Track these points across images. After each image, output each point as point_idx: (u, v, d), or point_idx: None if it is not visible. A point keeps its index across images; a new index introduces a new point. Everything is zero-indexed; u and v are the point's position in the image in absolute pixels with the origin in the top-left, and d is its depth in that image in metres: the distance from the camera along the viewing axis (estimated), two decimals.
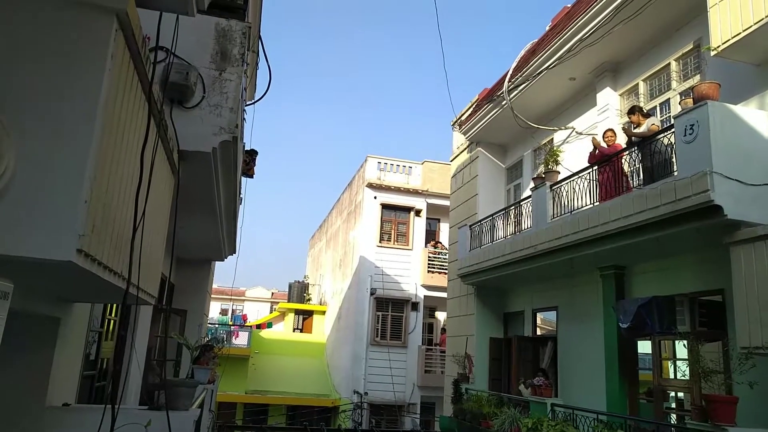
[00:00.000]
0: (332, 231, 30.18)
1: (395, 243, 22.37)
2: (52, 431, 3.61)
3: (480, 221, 12.92)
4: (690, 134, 6.58)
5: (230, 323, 31.93)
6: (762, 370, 5.91)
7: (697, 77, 8.52)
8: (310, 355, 27.12)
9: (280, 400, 23.03)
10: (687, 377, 7.88)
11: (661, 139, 7.56)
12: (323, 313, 29.88)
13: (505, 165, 14.63)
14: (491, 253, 11.70)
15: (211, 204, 5.62)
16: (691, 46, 8.73)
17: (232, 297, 45.44)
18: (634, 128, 8.29)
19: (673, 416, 8.40)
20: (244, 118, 5.90)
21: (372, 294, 21.23)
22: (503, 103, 12.39)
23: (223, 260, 10.39)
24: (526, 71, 11.52)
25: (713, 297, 7.55)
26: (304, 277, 36.00)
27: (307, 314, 30.83)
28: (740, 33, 6.73)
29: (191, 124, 4.04)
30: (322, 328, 29.49)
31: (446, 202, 20.15)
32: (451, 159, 17.01)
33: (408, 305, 21.71)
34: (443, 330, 21.39)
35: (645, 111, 8.61)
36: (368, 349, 20.86)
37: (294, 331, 30.20)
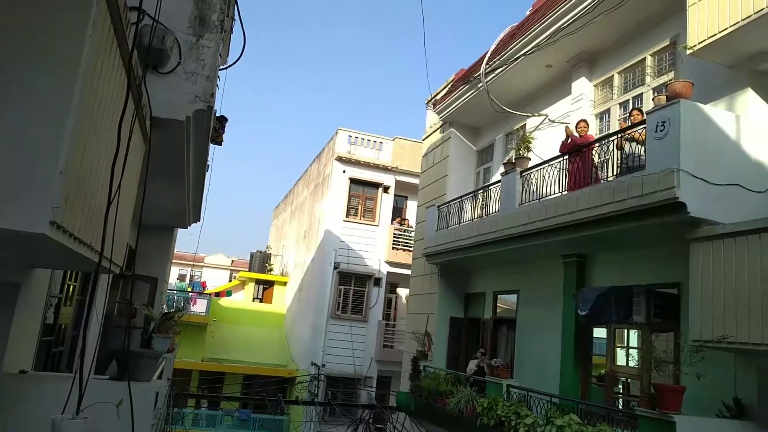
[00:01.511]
0: (298, 202, 29.94)
1: (362, 218, 22.35)
2: (9, 399, 3.51)
3: (448, 202, 12.99)
4: (661, 131, 6.71)
5: (189, 290, 31.54)
6: (709, 363, 6.17)
7: (672, 74, 8.66)
8: (270, 325, 27.09)
9: (237, 369, 23.01)
10: (638, 365, 8.18)
11: (630, 134, 7.71)
12: (284, 284, 29.79)
13: (477, 147, 14.69)
14: (458, 234, 11.80)
15: (179, 172, 5.47)
16: (668, 43, 8.85)
17: (193, 263, 44.83)
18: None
19: (634, 402, 8.71)
20: (216, 84, 5.73)
21: (336, 268, 21.24)
22: (479, 85, 12.37)
23: (186, 227, 10.20)
24: (504, 55, 11.51)
25: (669, 290, 7.80)
26: (267, 247, 35.75)
27: (268, 284, 30.69)
28: (716, 34, 6.84)
29: (165, 90, 3.89)
30: (282, 299, 29.43)
31: (415, 180, 20.17)
32: (423, 137, 16.99)
33: (371, 281, 21.82)
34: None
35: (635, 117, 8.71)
36: (328, 322, 20.95)
37: (254, 301, 30.06)
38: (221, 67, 7.17)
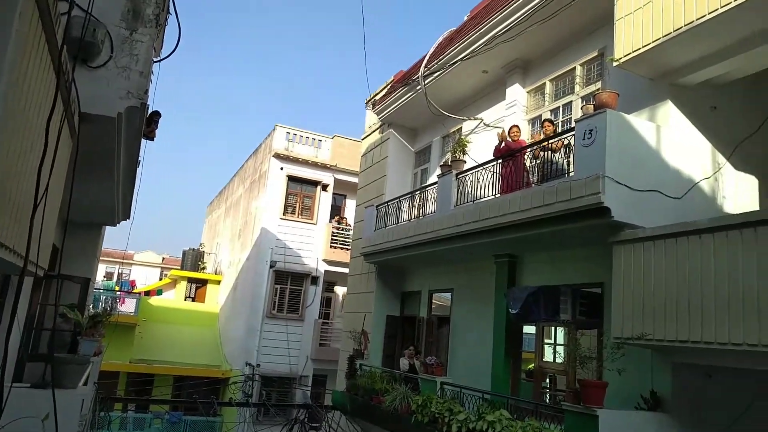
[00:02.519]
0: (233, 199, 29.32)
1: (299, 216, 22.17)
2: None
3: (387, 202, 13.10)
4: (588, 138, 7.04)
5: (116, 288, 30.24)
6: (630, 359, 6.52)
7: (599, 84, 9.09)
8: (202, 325, 26.40)
9: (168, 371, 22.29)
10: (565, 361, 8.56)
11: (559, 141, 8.06)
12: (218, 282, 29.11)
13: (415, 149, 14.89)
14: (395, 234, 11.93)
15: (109, 168, 5.26)
16: (596, 54, 9.28)
17: (123, 261, 43.01)
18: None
19: (560, 397, 9.08)
20: (150, 79, 5.55)
21: (272, 267, 20.98)
22: (417, 88, 12.55)
23: (115, 225, 9.79)
24: (442, 59, 11.72)
25: (594, 289, 8.20)
26: (200, 245, 34.80)
27: (201, 283, 29.89)
28: (640, 48, 7.24)
29: (96, 85, 3.73)
30: (216, 298, 28.75)
31: (354, 179, 20.21)
32: (362, 137, 17.04)
33: (308, 279, 21.69)
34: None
35: (555, 127, 9.17)
36: (264, 321, 20.67)
37: (186, 300, 29.19)
38: (155, 59, 6.95)
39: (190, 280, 29.89)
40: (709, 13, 6.33)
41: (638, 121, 7.30)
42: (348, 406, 12.37)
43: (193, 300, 29.49)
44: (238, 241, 25.75)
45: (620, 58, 7.48)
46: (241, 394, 18.98)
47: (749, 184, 8.03)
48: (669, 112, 7.65)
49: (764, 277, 5.21)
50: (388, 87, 14.88)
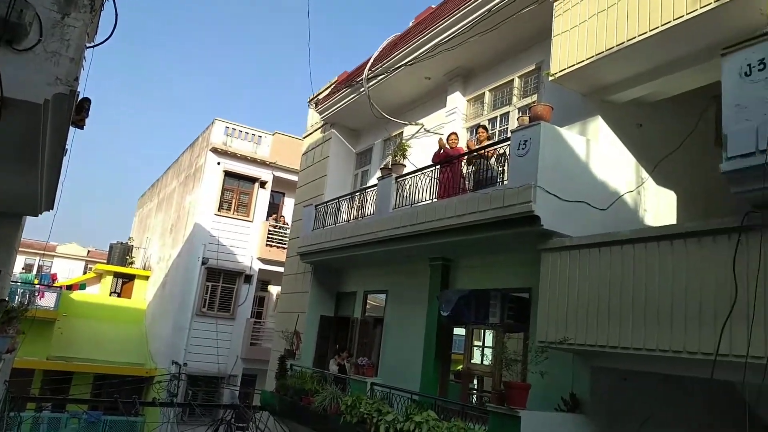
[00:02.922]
0: (166, 192, 28.39)
1: (235, 213, 21.73)
2: None
3: (326, 202, 13.06)
4: (523, 149, 7.29)
5: (35, 282, 28.62)
6: (553, 362, 6.79)
7: (535, 96, 9.43)
8: (128, 321, 25.40)
9: (88, 368, 21.31)
10: (492, 364, 8.81)
11: (495, 150, 8.32)
12: (147, 278, 28.09)
13: (356, 150, 14.92)
14: (333, 234, 11.91)
15: (33, 157, 4.99)
16: (533, 68, 9.62)
17: (44, 252, 40.74)
18: (477, 145, 9.21)
19: (486, 398, 9.33)
20: (82, 66, 5.31)
21: (204, 263, 20.45)
22: (361, 90, 12.59)
23: (36, 215, 9.28)
24: (386, 63, 11.82)
25: (522, 294, 8.48)
26: (129, 239, 33.46)
27: (128, 278, 28.75)
28: (574, 65, 7.58)
29: (21, 69, 3.54)
30: (143, 295, 27.73)
31: (294, 177, 20.03)
32: (304, 135, 16.92)
33: (241, 277, 21.28)
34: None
35: (489, 133, 9.45)
36: (193, 319, 20.12)
37: (111, 295, 27.99)
38: (88, 45, 6.65)
39: (117, 275, 28.69)
40: (638, 36, 6.70)
41: (570, 134, 7.62)
42: (277, 407, 12.23)
43: (119, 295, 28.32)
44: (170, 236, 24.95)
45: (555, 73, 7.80)
46: (166, 394, 18.39)
47: (669, 198, 8.54)
48: (599, 127, 8.03)
49: (678, 288, 5.56)
50: (332, 87, 14.86)
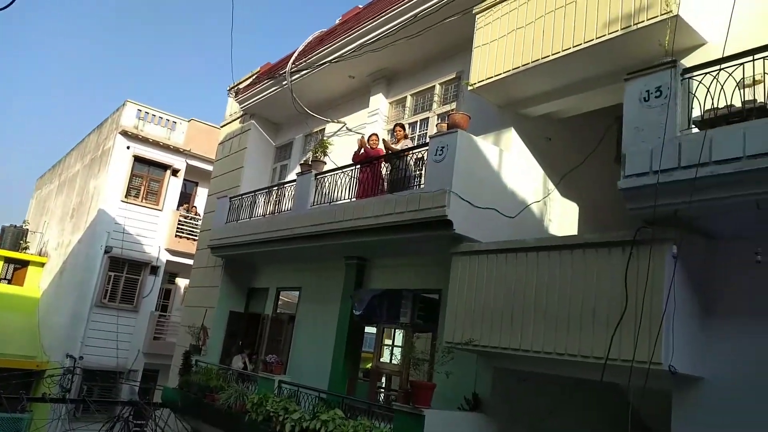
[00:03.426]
0: (69, 175, 26.62)
1: (144, 201, 20.74)
2: None
3: (242, 195, 12.77)
4: (440, 155, 7.48)
5: None
6: (458, 363, 7.02)
7: (454, 104, 9.69)
8: (18, 310, 23.54)
9: None
10: (400, 363, 8.97)
11: (413, 154, 8.49)
12: (42, 265, 26.19)
13: (276, 143, 14.69)
14: (248, 229, 11.66)
15: None
16: (454, 76, 9.88)
17: None
18: (394, 143, 9.36)
19: (393, 397, 9.46)
20: None
21: (107, 252, 19.37)
22: (284, 83, 12.41)
23: None
24: (311, 58, 11.72)
25: (432, 295, 8.70)
26: (24, 222, 31.07)
27: (21, 264, 26.67)
28: (491, 77, 7.86)
29: None
30: (37, 282, 25.84)
31: (209, 167, 19.40)
32: (222, 124, 16.44)
33: (147, 268, 20.34)
34: None
35: (405, 132, 9.60)
36: (92, 310, 19.02)
37: (0, 282, 25.87)
38: None
39: (9, 260, 26.54)
40: (551, 54, 7.05)
41: (484, 143, 7.90)
42: (179, 404, 11.83)
43: (10, 282, 26.21)
44: (71, 221, 23.41)
45: (474, 84, 8.06)
46: (58, 389, 17.25)
47: (572, 210, 9.06)
48: (511, 138, 8.38)
49: (575, 295, 5.90)
50: (254, 77, 14.53)
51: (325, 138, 12.01)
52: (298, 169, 11.93)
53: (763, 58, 4.74)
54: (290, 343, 11.46)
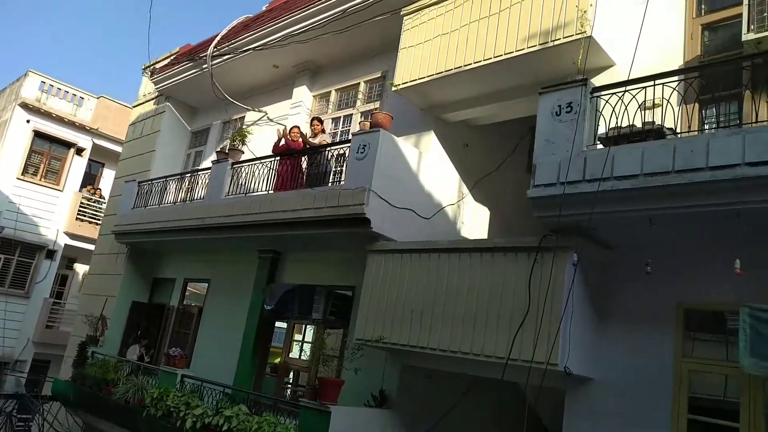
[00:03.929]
0: None
1: (43, 179, 19.32)
2: None
3: (152, 180, 12.19)
4: (361, 153, 7.50)
5: None
6: (367, 360, 7.07)
7: (378, 103, 9.75)
8: None
9: None
10: (310, 359, 8.93)
11: (335, 150, 8.48)
12: None
13: (192, 128, 14.16)
14: (157, 216, 11.16)
15: None
16: (379, 75, 9.94)
17: None
18: (312, 137, 9.29)
19: (300, 392, 9.36)
20: None
21: None
22: (204, 66, 11.98)
23: None
24: (234, 43, 11.39)
25: (346, 292, 8.72)
26: None
27: None
28: (415, 80, 7.98)
29: None
30: None
31: (117, 148, 18.42)
32: (134, 104, 15.62)
33: (42, 252, 18.98)
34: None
35: (323, 126, 9.54)
36: None
37: None
38: None
39: None
40: (473, 63, 7.24)
41: (405, 145, 8.01)
42: (71, 397, 11.14)
43: None
44: None
45: (398, 85, 8.15)
46: None
47: (483, 214, 9.38)
48: (431, 141, 8.56)
49: (482, 297, 6.11)
50: (172, 58, 13.91)
51: (244, 126, 11.72)
52: (214, 157, 11.58)
53: (663, 84, 5.12)
54: (196, 336, 11.09)
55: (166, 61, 14.09)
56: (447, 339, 6.25)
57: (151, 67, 14.68)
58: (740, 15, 5.47)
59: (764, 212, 4.47)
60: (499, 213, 9.50)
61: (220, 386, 8.29)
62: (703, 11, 6.28)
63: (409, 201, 7.73)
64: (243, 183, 9.69)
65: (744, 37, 5.34)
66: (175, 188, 11.54)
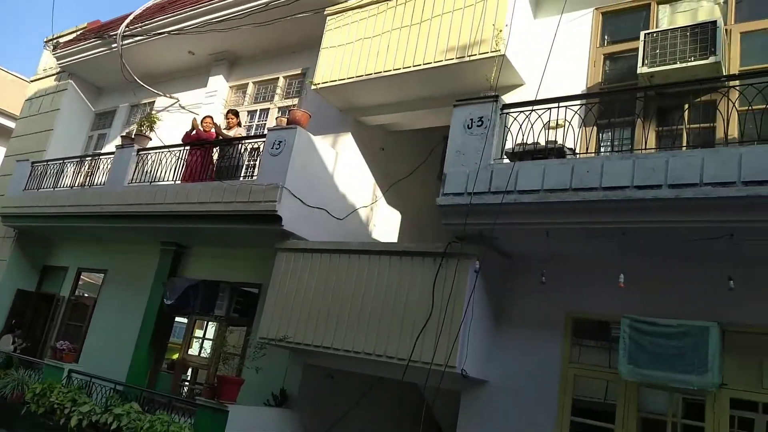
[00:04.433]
0: None
1: None
2: None
3: (47, 161, 11.38)
4: (277, 149, 7.41)
5: None
6: (270, 359, 6.98)
7: (297, 100, 9.66)
8: None
9: None
10: (210, 356, 8.69)
11: (248, 144, 8.32)
12: None
13: (96, 109, 13.36)
14: (51, 199, 10.43)
15: None
16: (300, 72, 9.86)
17: None
18: (226, 129, 9.06)
19: (198, 391, 9.07)
20: None
21: None
22: (113, 45, 11.35)
23: None
24: (148, 25, 10.88)
25: (252, 289, 8.56)
26: None
27: None
28: (335, 81, 8.00)
29: None
30: None
31: (10, 123, 16.99)
32: (32, 78, 14.49)
33: None
34: None
35: (239, 120, 9.34)
36: None
37: None
38: None
39: None
40: (393, 70, 7.39)
41: (322, 144, 8.01)
42: None
43: None
44: None
45: (318, 84, 8.13)
46: None
47: (395, 218, 9.55)
48: (348, 143, 8.61)
49: (389, 299, 6.23)
50: (79, 33, 13.06)
51: (154, 112, 11.22)
52: (118, 141, 11.01)
53: (566, 106, 5.46)
54: (88, 329, 10.46)
55: (71, 36, 13.19)
56: (351, 339, 6.31)
57: (54, 41, 13.67)
58: (637, 49, 5.95)
59: (647, 231, 4.89)
60: (410, 217, 9.70)
61: (111, 382, 7.89)
62: (606, 42, 6.76)
63: (323, 201, 7.73)
64: (149, 171, 9.28)
65: (639, 70, 5.81)
66: (74, 171, 10.84)
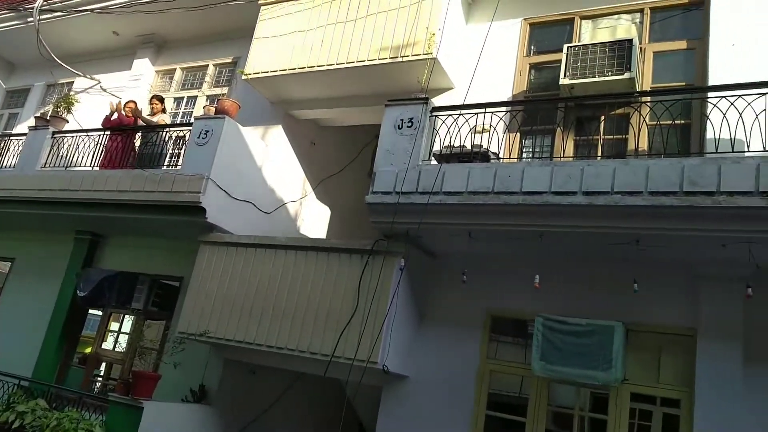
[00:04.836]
0: None
1: None
2: None
3: None
4: (203, 139, 7.22)
5: None
6: (189, 354, 6.82)
7: (226, 90, 9.43)
8: None
9: None
10: (125, 351, 8.35)
11: (173, 132, 8.07)
12: None
13: (7, 86, 12.49)
14: None
15: None
16: (230, 60, 9.63)
17: None
18: (150, 115, 8.74)
19: (111, 386, 8.69)
20: None
21: None
22: (29, 20, 10.63)
23: None
24: (69, 0, 10.27)
25: (173, 282, 8.30)
26: None
27: None
28: (267, 72, 7.88)
29: None
30: None
31: None
32: None
33: None
34: None
35: (164, 106, 9.04)
36: None
37: None
38: None
39: None
40: (326, 65, 7.36)
41: (251, 136, 7.87)
42: None
43: None
44: None
45: (249, 74, 7.98)
46: None
47: (324, 213, 9.53)
48: (278, 136, 8.50)
49: (314, 295, 6.22)
50: None
51: (72, 93, 10.61)
52: (32, 122, 10.34)
53: (492, 112, 5.65)
54: None
55: None
56: (275, 335, 6.27)
57: None
58: (560, 61, 6.23)
59: (562, 235, 5.15)
60: (339, 213, 9.71)
61: (15, 378, 7.42)
62: (532, 52, 7.04)
63: (250, 194, 7.60)
64: (64, 155, 8.79)
65: (561, 81, 6.09)
66: None
